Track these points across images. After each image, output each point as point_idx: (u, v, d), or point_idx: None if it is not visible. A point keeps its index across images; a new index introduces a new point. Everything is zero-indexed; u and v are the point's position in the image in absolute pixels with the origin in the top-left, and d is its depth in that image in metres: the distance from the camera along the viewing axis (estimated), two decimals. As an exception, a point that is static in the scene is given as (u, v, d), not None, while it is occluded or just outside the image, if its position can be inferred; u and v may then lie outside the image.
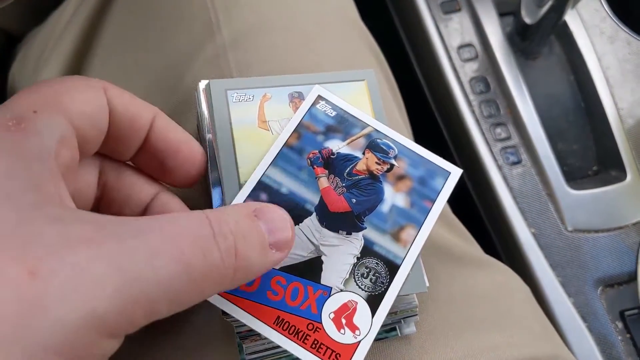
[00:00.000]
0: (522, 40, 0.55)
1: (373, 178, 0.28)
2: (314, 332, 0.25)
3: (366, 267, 0.26)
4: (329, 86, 0.31)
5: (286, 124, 0.29)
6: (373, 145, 0.29)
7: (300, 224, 0.27)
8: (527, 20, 0.52)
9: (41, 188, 0.17)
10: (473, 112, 0.53)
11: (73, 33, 0.41)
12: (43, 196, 0.17)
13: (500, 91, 0.54)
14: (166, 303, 0.17)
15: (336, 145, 0.29)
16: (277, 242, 0.22)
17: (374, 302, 0.26)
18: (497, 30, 0.55)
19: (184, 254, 0.18)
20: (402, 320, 0.30)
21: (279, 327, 0.25)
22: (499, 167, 0.52)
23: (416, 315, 0.30)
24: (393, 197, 0.28)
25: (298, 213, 0.27)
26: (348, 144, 0.29)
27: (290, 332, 0.25)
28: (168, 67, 0.36)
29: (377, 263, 0.26)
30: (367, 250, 0.27)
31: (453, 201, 0.41)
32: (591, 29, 0.56)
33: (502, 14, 0.57)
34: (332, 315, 0.25)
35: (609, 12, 0.57)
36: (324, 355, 0.24)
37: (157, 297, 0.17)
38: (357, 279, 0.26)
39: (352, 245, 0.27)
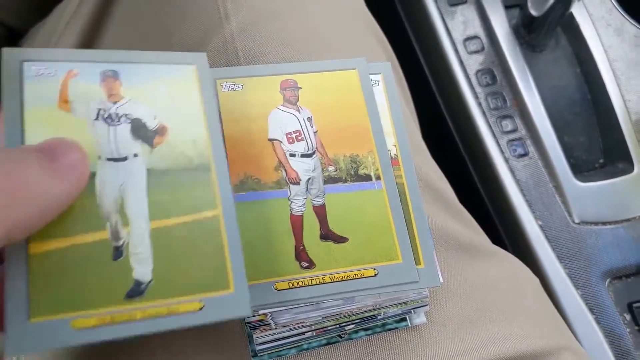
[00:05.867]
0: (529, 32, 0.55)
1: None
2: None
3: None
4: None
5: (96, 106, 0.25)
6: None
7: None
8: (534, 12, 0.52)
9: None
10: (479, 104, 0.53)
11: (79, 25, 0.40)
12: None
13: (506, 83, 0.54)
14: None
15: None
16: (62, 166, 0.20)
17: None
18: (503, 23, 0.55)
19: None
20: (412, 311, 0.30)
21: None
22: (506, 160, 0.52)
23: (426, 305, 0.30)
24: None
25: None
26: None
27: None
28: None
29: None
30: None
31: (459, 193, 0.41)
32: (598, 21, 0.56)
33: (508, 6, 0.56)
34: None
35: (615, 4, 0.56)
36: None
37: None
38: None
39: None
